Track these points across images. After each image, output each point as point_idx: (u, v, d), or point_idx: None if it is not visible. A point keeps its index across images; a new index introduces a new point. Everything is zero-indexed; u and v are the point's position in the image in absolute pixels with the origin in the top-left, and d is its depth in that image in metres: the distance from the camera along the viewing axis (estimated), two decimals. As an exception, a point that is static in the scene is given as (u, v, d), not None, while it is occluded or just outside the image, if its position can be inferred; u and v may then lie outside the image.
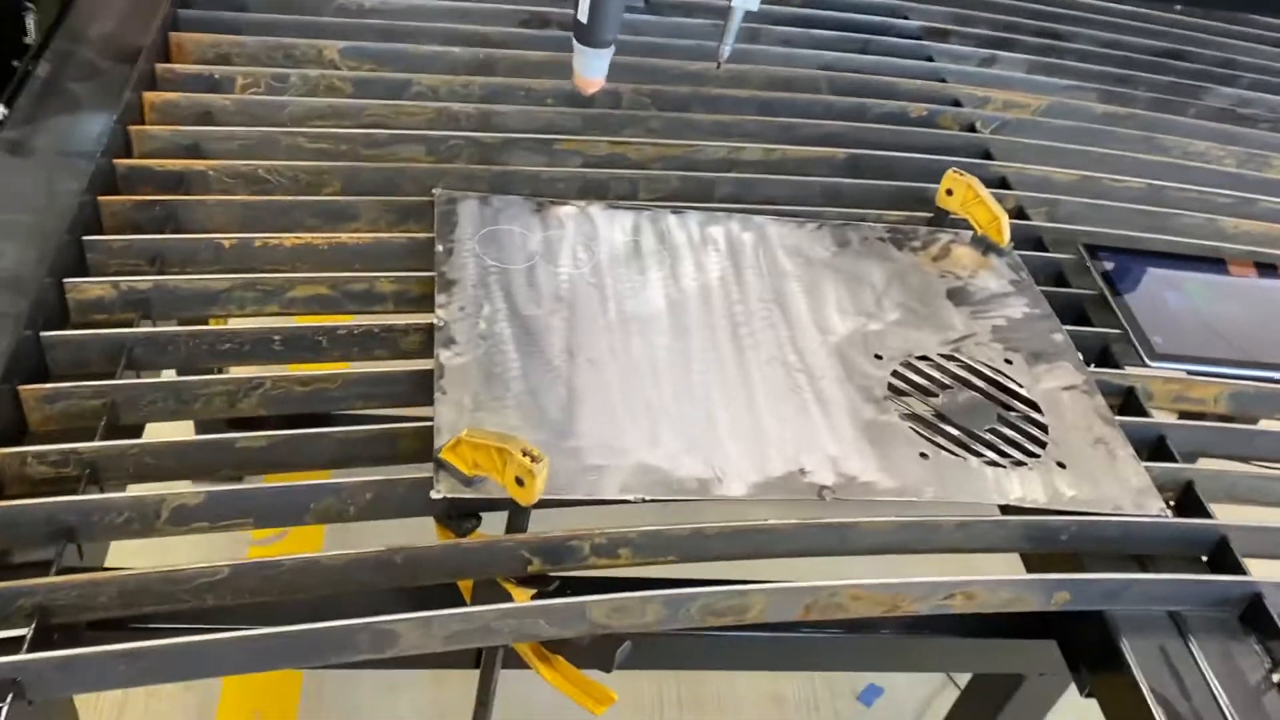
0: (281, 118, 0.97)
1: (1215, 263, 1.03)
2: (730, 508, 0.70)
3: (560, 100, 1.06)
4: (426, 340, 0.78)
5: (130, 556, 0.68)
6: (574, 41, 0.87)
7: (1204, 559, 0.79)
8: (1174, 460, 0.83)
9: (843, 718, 1.59)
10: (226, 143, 0.92)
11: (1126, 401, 0.89)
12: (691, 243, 0.91)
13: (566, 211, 0.91)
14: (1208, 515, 0.79)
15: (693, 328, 0.82)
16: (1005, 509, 0.75)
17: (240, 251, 0.83)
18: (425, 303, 0.81)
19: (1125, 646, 0.73)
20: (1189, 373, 0.90)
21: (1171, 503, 0.82)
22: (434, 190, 0.90)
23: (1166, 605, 0.75)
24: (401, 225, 0.90)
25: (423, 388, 0.74)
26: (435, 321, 0.78)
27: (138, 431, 0.74)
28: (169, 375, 0.78)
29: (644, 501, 0.69)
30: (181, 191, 0.87)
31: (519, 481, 0.64)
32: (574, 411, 0.73)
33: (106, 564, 0.71)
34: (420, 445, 0.71)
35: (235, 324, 0.76)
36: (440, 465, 0.67)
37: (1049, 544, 0.76)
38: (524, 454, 0.63)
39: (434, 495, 0.66)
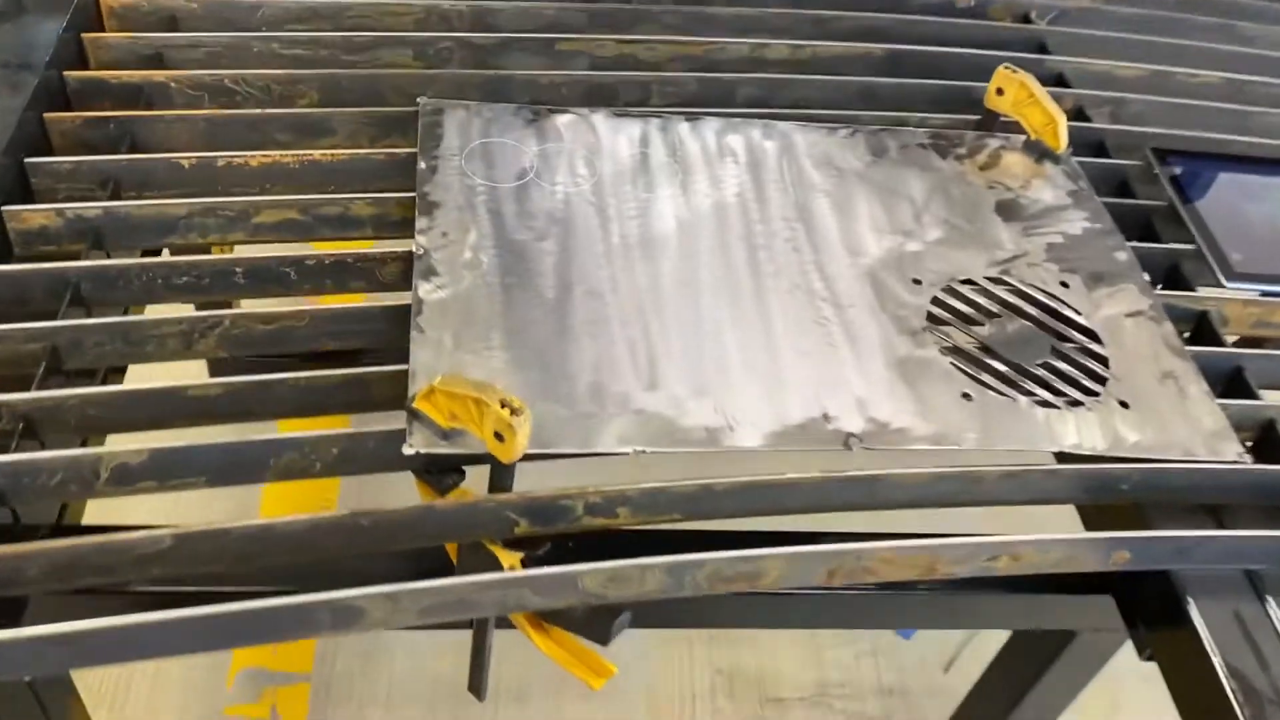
0: (254, 21, 0.87)
1: (1302, 167, 0.91)
2: (743, 460, 0.62)
3: (564, -5, 0.95)
4: (406, 270, 0.70)
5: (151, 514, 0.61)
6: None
7: (1284, 507, 0.70)
8: (1253, 396, 0.73)
9: (881, 649, 1.53)
10: (192, 51, 0.83)
11: (1199, 328, 0.79)
12: (707, 154, 0.81)
13: (566, 121, 0.82)
14: (1292, 459, 0.70)
15: (704, 252, 0.73)
16: (1059, 456, 0.66)
17: (202, 172, 0.74)
18: (407, 227, 0.73)
19: (1192, 609, 0.64)
20: (1270, 294, 0.79)
21: (1249, 444, 0.72)
22: (419, 100, 0.81)
23: (1242, 563, 0.66)
24: (384, 139, 0.81)
25: (401, 325, 0.66)
26: (414, 249, 0.69)
27: (92, 379, 0.67)
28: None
29: (642, 454, 0.61)
30: (141, 106, 0.79)
31: (498, 436, 0.56)
32: (567, 351, 0.65)
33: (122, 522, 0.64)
34: (397, 391, 0.63)
35: (194, 255, 0.68)
36: (414, 416, 0.59)
37: (1108, 494, 0.67)
38: (502, 405, 0.55)
39: (406, 450, 0.59)
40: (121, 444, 0.58)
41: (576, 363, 0.64)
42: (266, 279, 0.69)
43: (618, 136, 0.81)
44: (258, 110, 0.79)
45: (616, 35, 0.92)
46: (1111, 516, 0.70)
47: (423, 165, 0.75)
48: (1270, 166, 0.90)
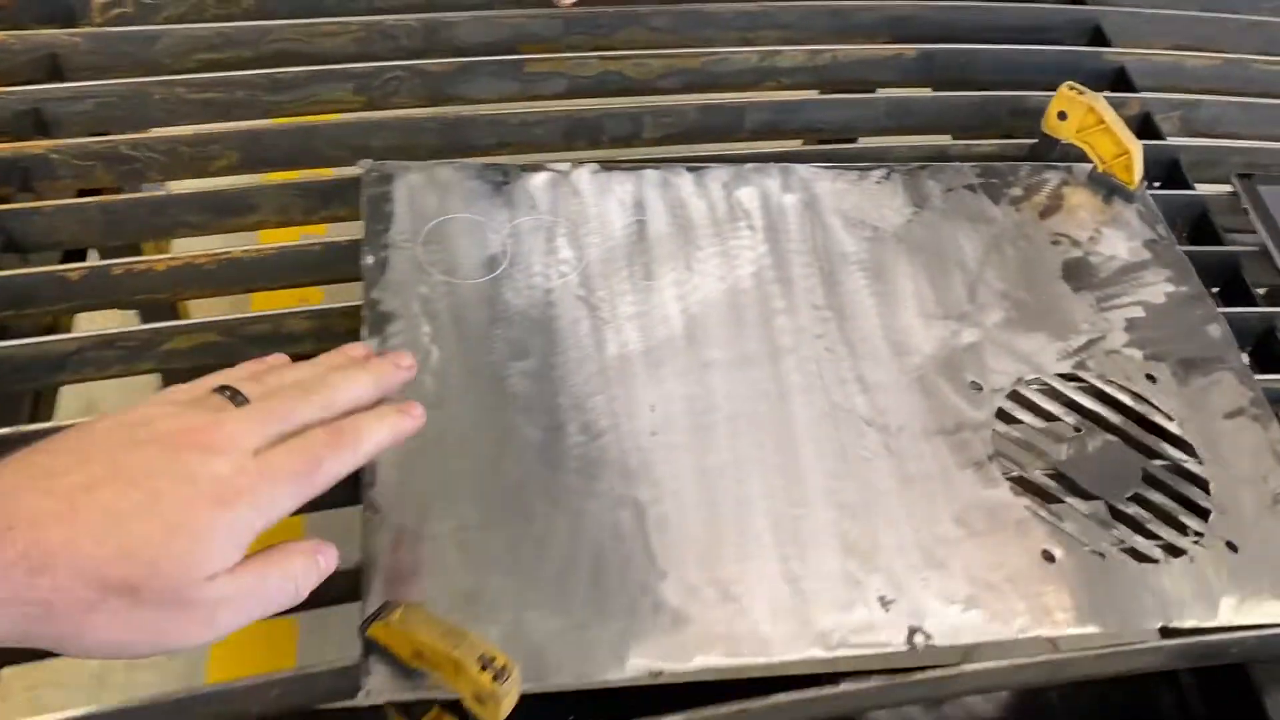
0: (154, 54, 0.71)
1: None
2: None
3: (532, -5, 0.79)
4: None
5: None
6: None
7: None
8: (1372, 507, 0.62)
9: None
10: (77, 104, 0.67)
11: (1301, 410, 0.67)
12: (715, 217, 0.67)
13: (542, 183, 0.67)
14: None
15: (719, 367, 0.60)
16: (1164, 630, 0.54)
17: (94, 284, 0.60)
18: (354, 338, 0.59)
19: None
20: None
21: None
22: (360, 164, 0.66)
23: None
24: (321, 211, 0.67)
25: (351, 486, 0.53)
26: (364, 388, 0.56)
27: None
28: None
29: (658, 679, 0.49)
30: (14, 189, 0.64)
31: (478, 699, 0.44)
32: (558, 526, 0.52)
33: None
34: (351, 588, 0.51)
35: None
36: (369, 647, 0.47)
37: (1212, 659, 0.56)
38: (483, 667, 0.43)
39: (362, 698, 0.46)
40: None
41: (571, 544, 0.52)
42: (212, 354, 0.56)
43: (607, 200, 0.67)
44: (161, 191, 0.64)
45: (598, 49, 0.77)
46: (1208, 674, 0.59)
47: (369, 259, 0.61)
48: (1374, 190, 0.76)
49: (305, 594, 0.42)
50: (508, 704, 0.43)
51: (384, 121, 0.69)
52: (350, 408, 0.45)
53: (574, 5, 0.76)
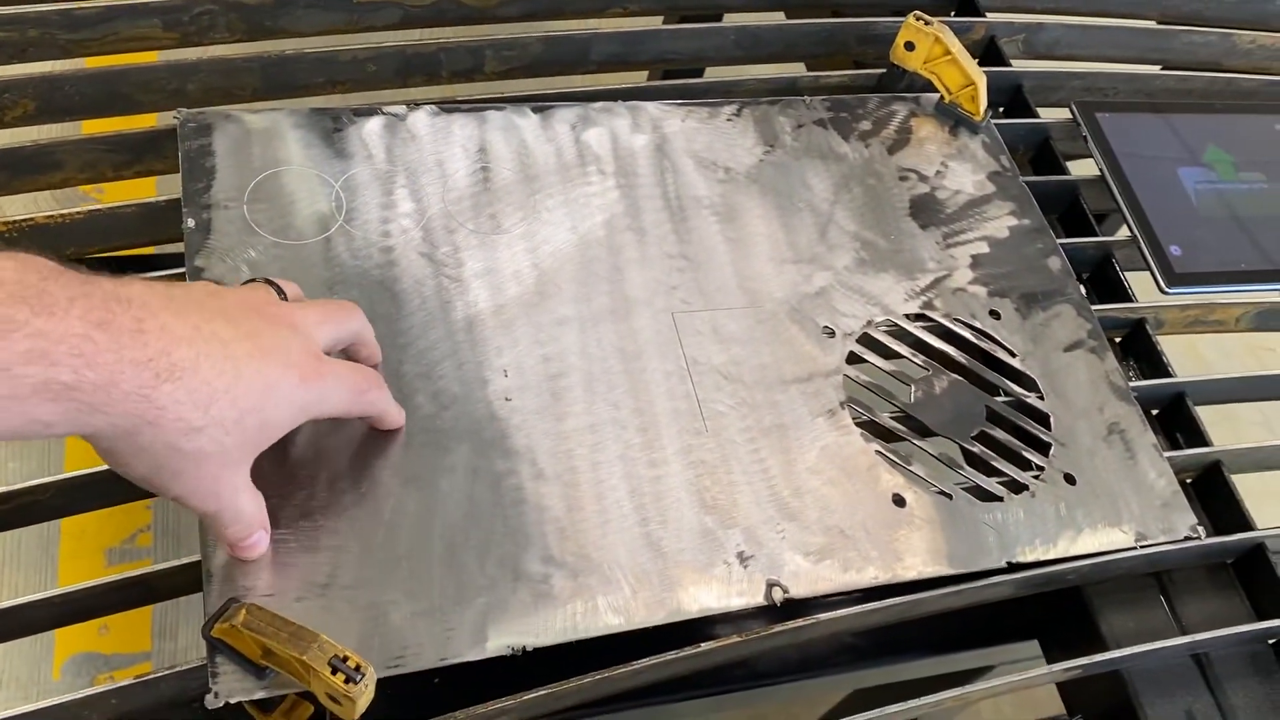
0: (-73, -11, 0.63)
1: (1235, 110, 0.80)
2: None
3: (359, -87, 0.73)
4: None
5: None
6: None
7: (1230, 564, 0.63)
8: (1196, 428, 0.65)
9: None
10: None
11: (1132, 336, 0.70)
12: (563, 162, 0.64)
13: (377, 128, 0.63)
14: (1240, 513, 0.62)
15: (571, 324, 0.58)
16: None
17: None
18: (181, 308, 0.55)
19: (1142, 709, 0.58)
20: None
21: (1189, 480, 0.65)
22: (175, 114, 0.60)
23: (1192, 651, 0.60)
24: (136, 165, 0.61)
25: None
26: (192, 365, 0.52)
27: None
28: None
29: (519, 653, 0.48)
30: None
31: (333, 699, 0.43)
32: (405, 503, 0.51)
33: None
34: (191, 582, 0.48)
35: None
36: (214, 647, 0.45)
37: (1054, 585, 0.59)
38: (334, 670, 0.42)
39: (210, 701, 0.44)
40: None
41: (425, 524, 0.50)
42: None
43: (448, 145, 0.63)
44: (-53, 147, 0.58)
45: (432, -24, 0.72)
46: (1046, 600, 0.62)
47: (190, 222, 0.56)
48: (1203, 114, 0.79)
49: (227, 543, 0.46)
50: (363, 703, 0.42)
51: (199, 63, 0.64)
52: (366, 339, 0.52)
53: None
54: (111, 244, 0.58)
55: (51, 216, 0.56)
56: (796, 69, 0.77)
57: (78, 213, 0.57)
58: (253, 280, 0.49)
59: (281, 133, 0.61)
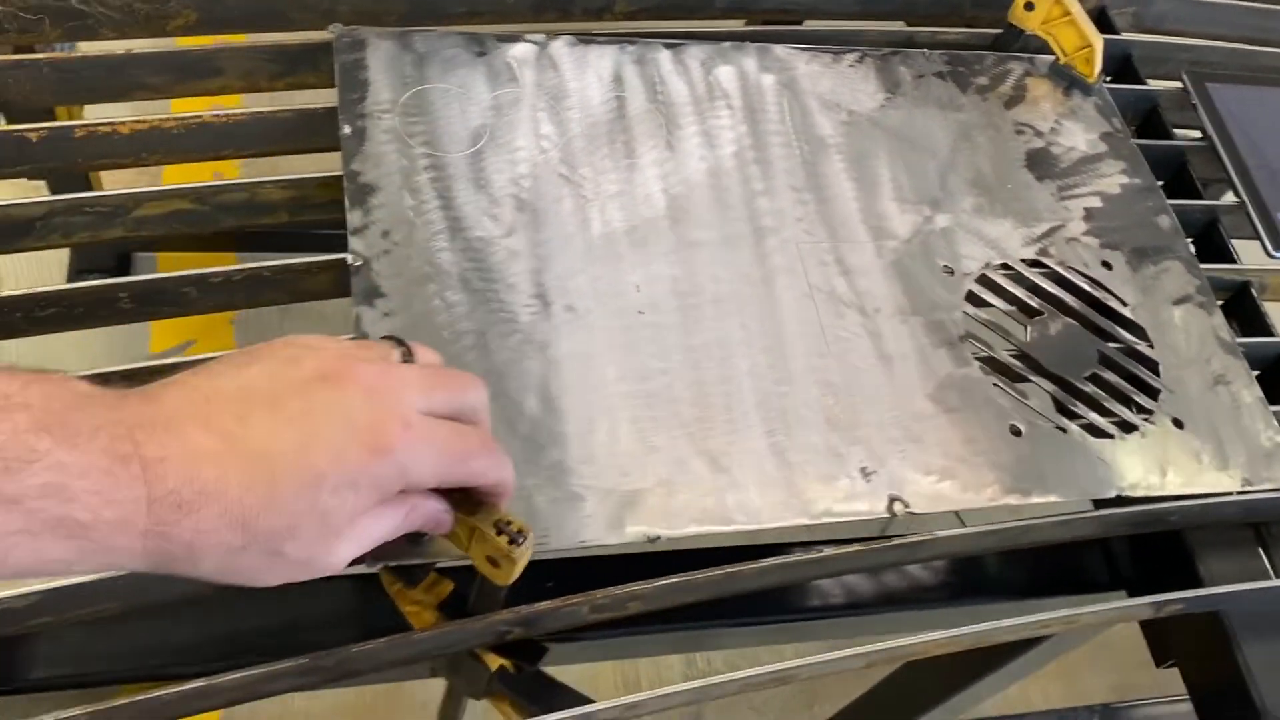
0: (98, -98, 0.67)
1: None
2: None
3: None
4: (337, 282, 0.56)
5: None
6: None
7: (1328, 520, 0.64)
8: (1300, 388, 0.66)
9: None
10: (20, -50, 0.63)
11: (1239, 299, 0.71)
12: (695, 95, 0.67)
13: (521, 54, 0.65)
14: (1341, 471, 0.64)
15: (703, 247, 0.60)
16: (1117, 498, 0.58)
17: (55, 146, 0.57)
18: (333, 210, 0.58)
19: (1240, 651, 0.60)
20: (1314, 258, 0.71)
21: (1289, 439, 0.66)
22: (331, 28, 0.63)
23: (1292, 599, 0.61)
24: (289, 76, 0.64)
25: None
26: (349, 259, 0.55)
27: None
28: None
29: (654, 542, 0.51)
30: (-44, 42, 0.60)
31: (492, 561, 0.45)
32: (550, 401, 0.53)
33: None
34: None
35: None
36: (375, 515, 0.47)
37: (1156, 527, 0.61)
38: (499, 531, 0.44)
39: (369, 565, 0.47)
40: None
41: (563, 419, 0.53)
42: (160, 302, 0.54)
43: (586, 74, 0.66)
44: (120, 46, 0.61)
45: (567, -84, 0.74)
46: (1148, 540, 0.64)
47: (347, 129, 0.59)
48: (1311, 91, 0.80)
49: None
50: (521, 565, 0.44)
51: (350, -16, 0.66)
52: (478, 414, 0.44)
53: None
54: (271, 146, 0.60)
55: (217, 116, 0.59)
56: (905, 29, 0.78)
57: (241, 114, 0.60)
58: (386, 338, 0.44)
59: (432, 52, 0.64)
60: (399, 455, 0.38)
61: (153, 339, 1.44)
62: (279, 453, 0.36)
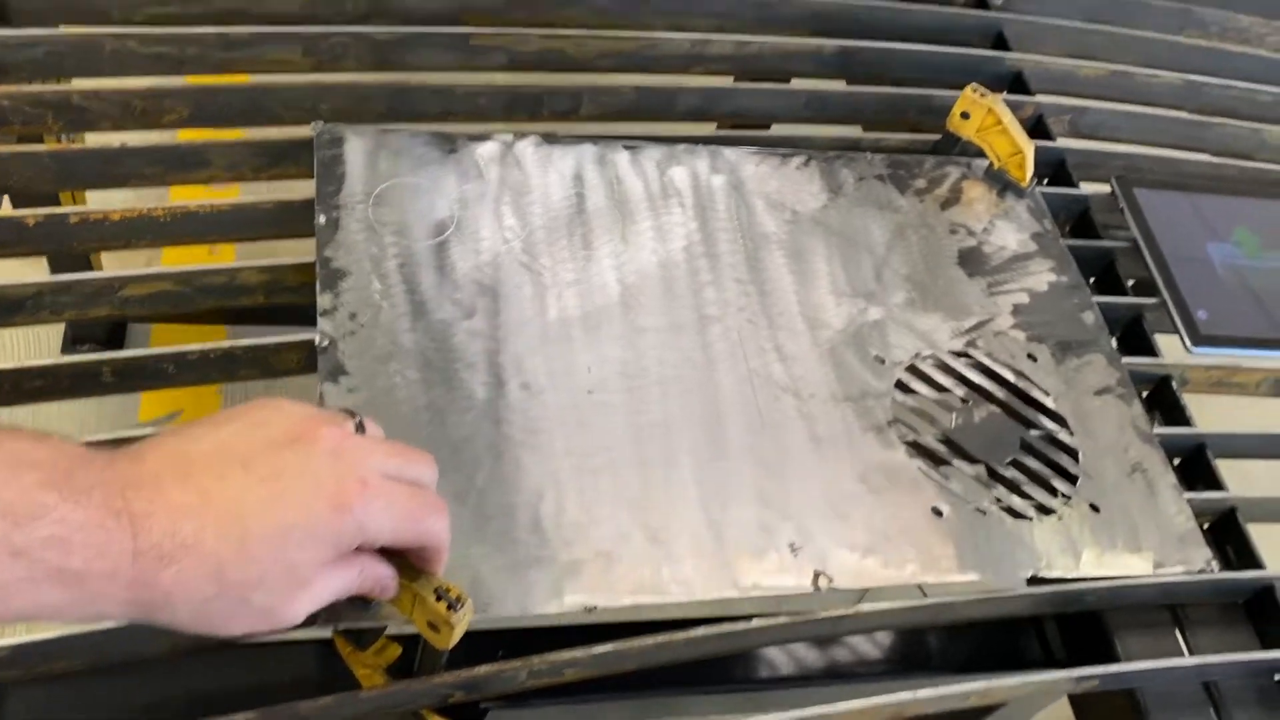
0: (103, 6, 0.73)
1: (1263, 196, 0.87)
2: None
3: (478, -33, 0.82)
4: (305, 360, 0.60)
5: None
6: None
7: (1241, 603, 0.68)
8: (1214, 479, 0.70)
9: None
10: (28, 51, 0.68)
11: (1159, 391, 0.75)
12: (649, 194, 0.72)
13: (488, 152, 0.71)
14: (1253, 556, 0.67)
15: (651, 332, 0.65)
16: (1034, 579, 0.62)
17: (50, 230, 0.62)
18: (305, 293, 0.63)
19: (1152, 727, 0.63)
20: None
21: (1206, 526, 0.70)
22: (313, 125, 0.68)
23: (1202, 679, 0.64)
24: (272, 169, 0.69)
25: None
26: (317, 340, 0.59)
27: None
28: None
29: (592, 613, 0.54)
30: (-35, 132, 0.65)
31: (433, 626, 0.49)
32: (502, 473, 0.57)
33: None
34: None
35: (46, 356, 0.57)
36: (330, 578, 0.51)
37: (1072, 606, 0.64)
38: (438, 597, 0.48)
39: (322, 627, 0.50)
40: None
41: (511, 490, 0.57)
42: (141, 376, 0.59)
43: (549, 172, 0.71)
44: (116, 139, 0.66)
45: (539, 27, 0.80)
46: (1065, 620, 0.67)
47: (322, 219, 0.64)
48: (1234, 197, 0.85)
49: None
50: (459, 630, 0.48)
51: (335, 86, 0.72)
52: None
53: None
54: (252, 234, 0.65)
55: (202, 205, 0.64)
56: (858, 130, 0.84)
57: (225, 204, 0.65)
58: (342, 410, 0.48)
59: (405, 149, 0.69)
60: (358, 512, 0.42)
61: (142, 408, 1.47)
62: (251, 508, 0.40)
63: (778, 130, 0.87)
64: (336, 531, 0.42)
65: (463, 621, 0.48)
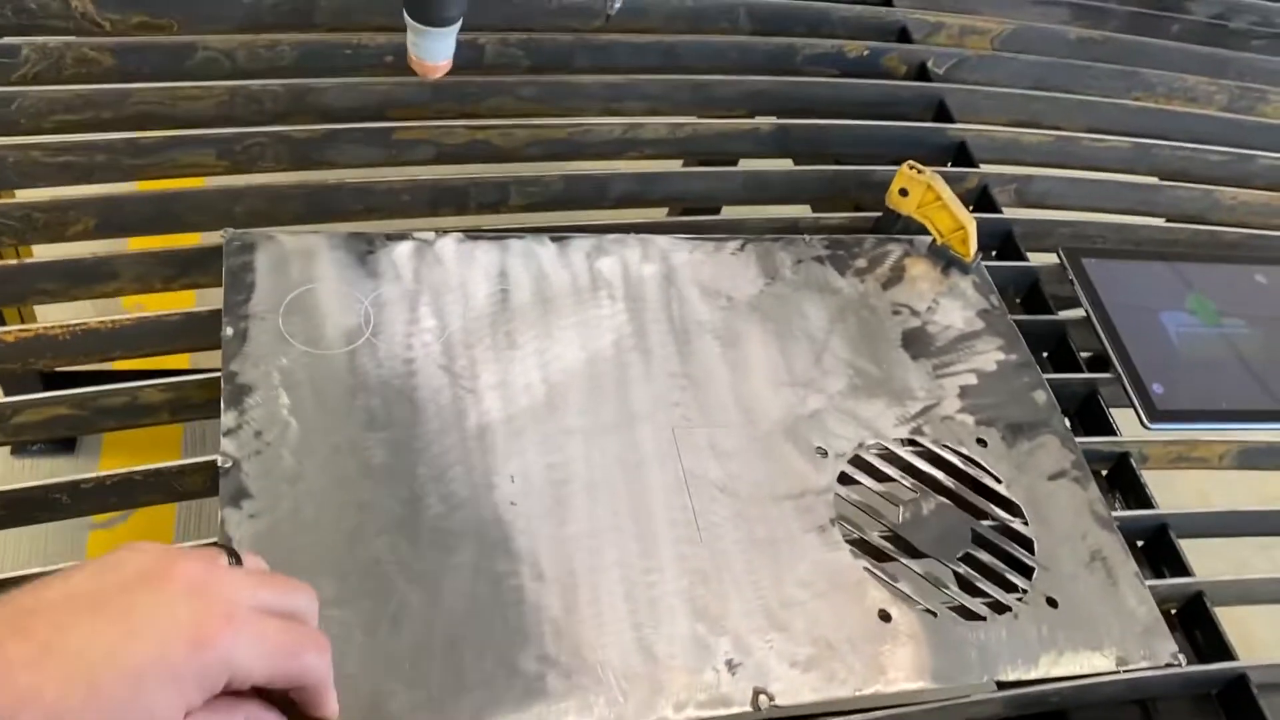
0: (9, 116, 0.70)
1: (1217, 260, 0.85)
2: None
3: (402, 60, 0.80)
4: (208, 482, 0.57)
5: None
6: (407, 18, 0.62)
7: (1214, 694, 0.64)
8: (1179, 560, 0.67)
9: None
10: (-76, 168, 0.66)
11: (1117, 469, 0.72)
12: (577, 288, 0.69)
13: (406, 252, 0.68)
14: (1223, 644, 0.64)
15: (577, 437, 0.62)
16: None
17: (-60, 356, 0.59)
18: (211, 410, 0.59)
19: (1128, 837, 0.59)
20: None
21: (1174, 611, 0.67)
22: (222, 233, 0.66)
23: (1177, 780, 0.61)
24: (183, 279, 0.67)
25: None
26: (219, 461, 0.56)
27: None
28: None
29: (514, 752, 0.50)
30: None
31: (330, 784, 0.45)
32: (413, 600, 0.53)
33: None
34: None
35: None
36: (223, 728, 0.47)
37: (1034, 708, 0.60)
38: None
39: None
40: None
41: (428, 618, 0.53)
42: (34, 509, 0.55)
43: (471, 269, 0.68)
44: (13, 258, 0.63)
45: (465, 118, 0.78)
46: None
47: (229, 330, 0.61)
48: (1187, 263, 0.83)
49: None
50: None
51: (247, 188, 0.70)
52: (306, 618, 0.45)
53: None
54: (155, 349, 0.62)
55: (104, 321, 0.61)
56: (801, 210, 0.82)
57: (128, 319, 0.62)
58: (214, 544, 0.46)
59: (318, 253, 0.66)
60: (221, 648, 0.39)
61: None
62: (99, 653, 0.37)
63: (727, 212, 0.85)
64: (199, 670, 0.39)
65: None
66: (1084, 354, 0.78)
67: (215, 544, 0.44)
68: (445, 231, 0.70)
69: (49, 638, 0.37)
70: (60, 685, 0.36)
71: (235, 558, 0.44)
